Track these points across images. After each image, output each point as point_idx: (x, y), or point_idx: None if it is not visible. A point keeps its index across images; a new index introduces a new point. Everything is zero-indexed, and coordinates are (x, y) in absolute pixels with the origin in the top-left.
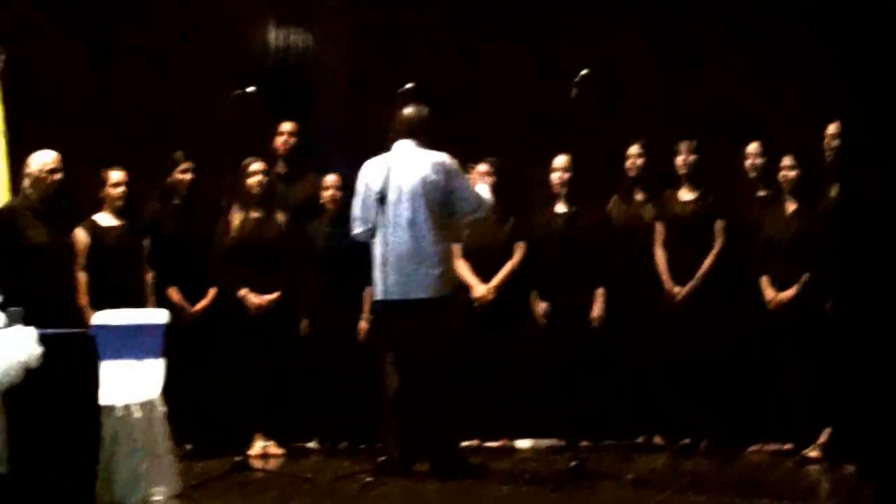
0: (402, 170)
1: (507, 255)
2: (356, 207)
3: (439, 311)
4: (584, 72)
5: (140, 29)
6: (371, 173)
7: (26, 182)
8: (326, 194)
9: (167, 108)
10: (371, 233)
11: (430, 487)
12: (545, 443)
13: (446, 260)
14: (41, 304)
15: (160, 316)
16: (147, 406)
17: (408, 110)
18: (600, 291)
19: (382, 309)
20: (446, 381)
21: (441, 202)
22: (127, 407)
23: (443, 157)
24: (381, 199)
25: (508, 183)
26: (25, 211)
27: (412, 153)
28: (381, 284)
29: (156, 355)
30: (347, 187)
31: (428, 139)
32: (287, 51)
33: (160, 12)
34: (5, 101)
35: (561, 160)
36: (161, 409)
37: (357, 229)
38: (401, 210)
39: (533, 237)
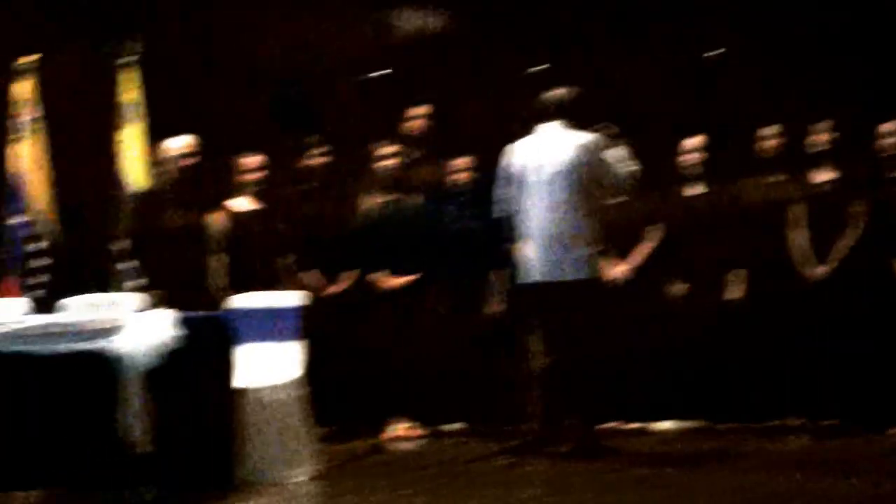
0: (548, 151)
1: (642, 237)
2: (500, 189)
3: (588, 293)
4: (718, 51)
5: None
6: (517, 155)
7: (163, 167)
8: (457, 176)
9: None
10: (515, 215)
11: (571, 468)
12: (685, 424)
13: (594, 241)
14: (179, 288)
15: (297, 298)
16: (287, 388)
17: (554, 91)
18: (737, 273)
19: (529, 290)
20: (591, 363)
21: (589, 183)
22: (266, 388)
23: (590, 138)
24: (527, 181)
25: (642, 164)
26: (163, 195)
27: (558, 134)
28: (528, 266)
29: (294, 337)
30: (478, 169)
31: (574, 120)
32: (416, 34)
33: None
34: (144, 86)
35: (694, 141)
36: (300, 390)
37: (501, 211)
38: (548, 192)
39: (667, 219)
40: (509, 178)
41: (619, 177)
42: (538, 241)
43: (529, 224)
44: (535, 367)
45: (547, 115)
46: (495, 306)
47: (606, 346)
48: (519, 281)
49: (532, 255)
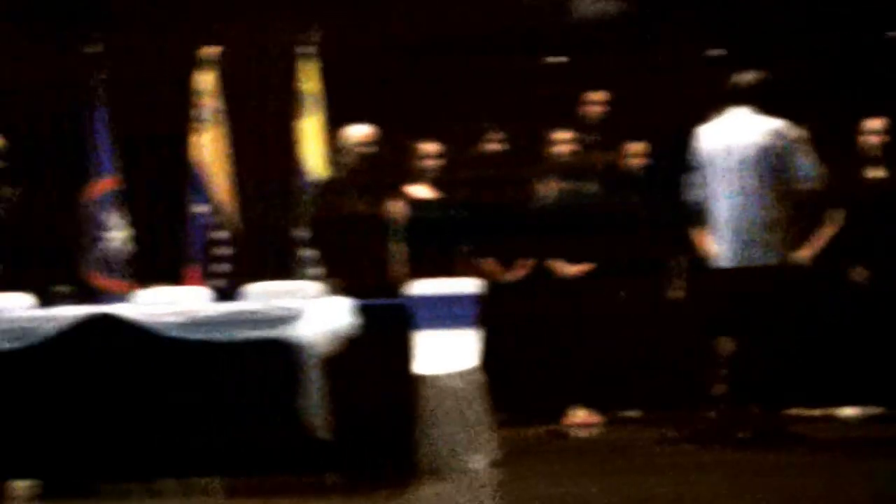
0: (738, 136)
1: (823, 222)
2: (694, 174)
3: (778, 278)
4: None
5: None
6: (706, 140)
7: (343, 156)
8: (633, 162)
9: (478, 79)
10: (703, 199)
11: (751, 455)
12: (869, 411)
13: (786, 226)
14: (360, 275)
15: (474, 286)
16: (464, 375)
17: (745, 76)
18: None
19: (717, 276)
20: (777, 348)
21: (779, 169)
22: (444, 376)
23: (780, 124)
24: (716, 165)
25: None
26: (343, 184)
27: (749, 120)
28: (723, 252)
29: (471, 325)
30: (652, 154)
31: (764, 106)
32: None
33: None
34: (322, 76)
35: (875, 123)
36: (478, 377)
37: (692, 195)
38: (738, 177)
39: (848, 202)
40: (701, 162)
41: (807, 167)
42: (727, 227)
43: (718, 209)
44: (721, 351)
45: (736, 98)
46: (676, 292)
47: (792, 331)
48: (707, 266)
49: (721, 241)
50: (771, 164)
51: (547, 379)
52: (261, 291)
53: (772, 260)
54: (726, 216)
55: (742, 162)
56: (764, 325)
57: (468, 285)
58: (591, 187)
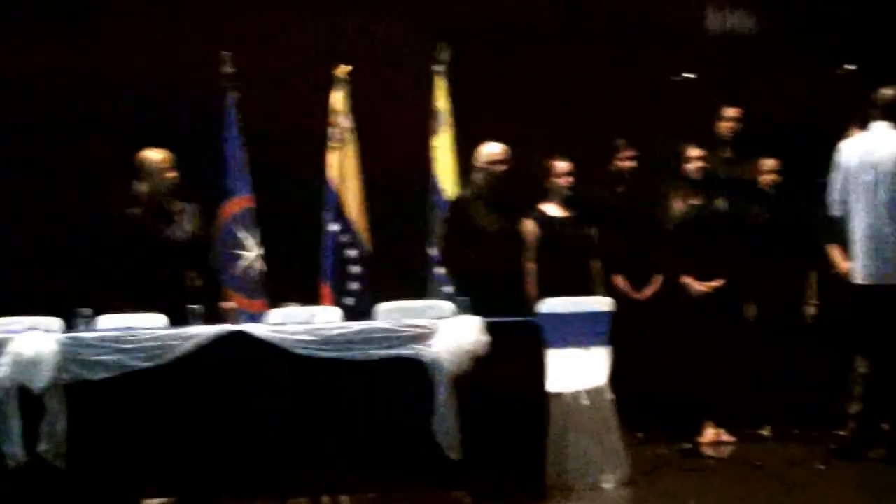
0: (878, 151)
1: None
2: (834, 189)
3: None
4: None
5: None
6: (848, 154)
7: (476, 174)
8: (766, 178)
9: (609, 95)
10: (844, 215)
11: (883, 474)
12: None
13: None
14: (493, 292)
15: (606, 304)
16: (595, 393)
17: (883, 90)
18: None
19: (861, 293)
20: None
21: None
22: (575, 394)
23: None
24: (856, 180)
25: None
26: (477, 201)
27: (887, 135)
28: (861, 268)
29: (602, 343)
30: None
31: None
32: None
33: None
34: (452, 95)
35: None
36: (608, 396)
37: (835, 211)
38: (879, 192)
39: None
40: (843, 177)
41: None
42: (865, 243)
43: (857, 225)
44: (857, 369)
45: (877, 114)
46: (811, 308)
47: None
48: (846, 282)
49: (859, 257)
50: None
51: (679, 397)
52: (393, 310)
53: None
54: (865, 232)
55: (882, 177)
56: None
57: (599, 303)
58: (724, 203)
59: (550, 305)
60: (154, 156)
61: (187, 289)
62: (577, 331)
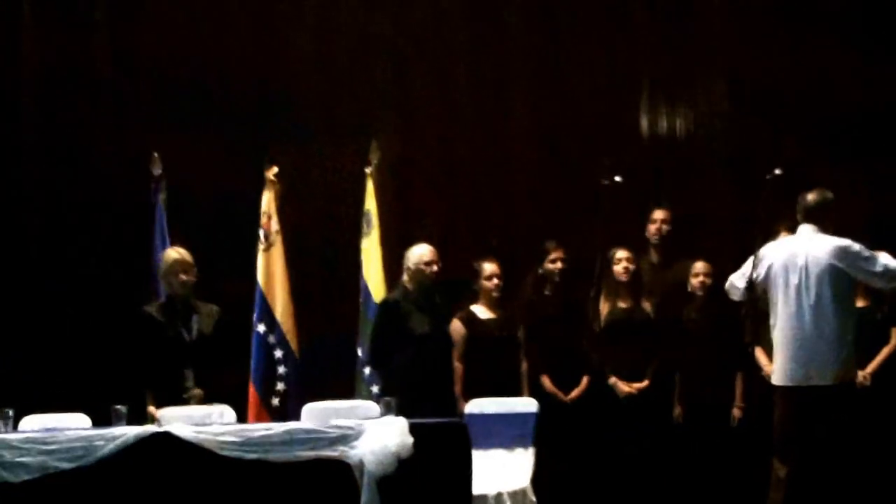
0: (801, 254)
1: (884, 340)
2: (739, 278)
3: (840, 398)
4: None
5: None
6: (773, 256)
7: (405, 276)
8: (696, 281)
9: (538, 196)
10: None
11: None
12: None
13: (849, 346)
14: (421, 393)
15: (531, 405)
16: (518, 495)
17: (808, 195)
18: None
19: (783, 393)
20: (841, 470)
21: (846, 288)
22: (498, 496)
23: (846, 243)
24: (778, 282)
25: None
26: (406, 303)
27: (811, 238)
28: (784, 368)
29: (527, 444)
30: (716, 275)
31: (829, 224)
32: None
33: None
34: (377, 196)
35: None
36: (532, 497)
37: (737, 293)
38: (804, 295)
39: None
40: (763, 277)
41: (881, 274)
42: (789, 345)
43: (781, 326)
44: (776, 473)
45: (802, 217)
46: (737, 410)
47: (855, 454)
48: (770, 383)
49: (782, 358)
50: (838, 283)
51: (605, 497)
52: (320, 410)
53: (834, 379)
54: (787, 333)
55: (809, 280)
56: (822, 448)
57: (525, 404)
58: (651, 305)
59: (477, 406)
60: (171, 255)
61: (183, 389)
62: (503, 431)
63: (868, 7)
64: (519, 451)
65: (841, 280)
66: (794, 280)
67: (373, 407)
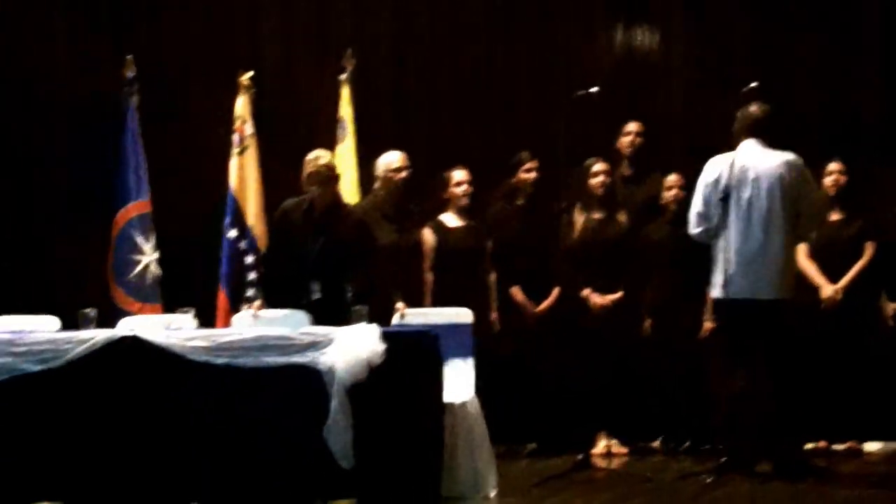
0: (752, 168)
1: (856, 256)
2: (697, 205)
3: (785, 312)
4: None
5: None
6: (716, 172)
7: (375, 183)
8: (669, 194)
9: (510, 106)
10: (711, 232)
11: (772, 489)
12: (894, 446)
13: (793, 260)
14: (387, 303)
15: (466, 316)
16: (466, 406)
17: (751, 108)
18: None
19: (728, 308)
20: (789, 382)
21: (792, 201)
22: (463, 404)
23: (793, 157)
24: (726, 197)
25: (857, 182)
26: (374, 211)
27: (760, 152)
28: (729, 283)
29: (467, 355)
30: (689, 187)
31: (774, 137)
32: (629, 49)
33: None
34: (354, 103)
35: None
36: (478, 408)
37: (696, 228)
38: (753, 208)
39: (882, 237)
40: (709, 194)
41: (814, 202)
42: (738, 258)
43: (730, 240)
44: (732, 386)
45: (745, 131)
46: (707, 323)
47: (812, 364)
48: (716, 297)
49: (730, 272)
50: (786, 196)
51: (573, 409)
52: (247, 319)
53: (780, 293)
54: (735, 248)
55: (758, 192)
56: (778, 360)
57: (460, 315)
58: (626, 218)
59: (420, 315)
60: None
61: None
62: (446, 343)
63: None
64: (460, 362)
65: (790, 193)
66: (745, 194)
67: (303, 318)
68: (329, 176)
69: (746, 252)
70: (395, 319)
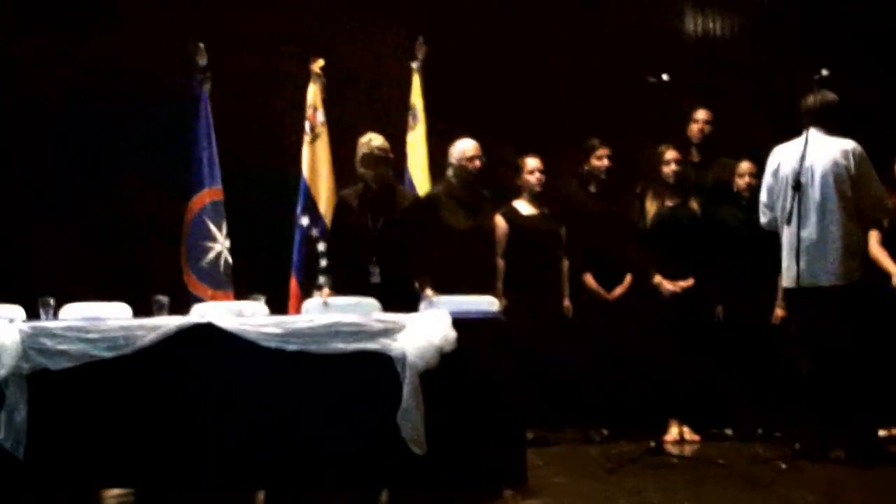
0: (812, 156)
1: None
2: (764, 195)
3: (848, 298)
4: None
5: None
6: (780, 160)
7: (449, 171)
8: (742, 181)
9: (584, 95)
10: (778, 221)
11: (845, 475)
12: None
13: (856, 246)
14: (461, 289)
15: (493, 304)
16: None
17: (815, 97)
18: None
19: (793, 296)
20: (860, 369)
21: (847, 188)
22: None
23: (852, 144)
24: (796, 185)
25: None
26: (447, 198)
27: (821, 139)
28: (791, 271)
29: None
30: (760, 174)
31: (836, 126)
32: (702, 37)
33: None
34: (426, 91)
35: None
36: None
37: (763, 218)
38: (812, 196)
39: None
40: (775, 183)
41: (874, 191)
42: (801, 246)
43: (794, 228)
44: (802, 372)
45: (810, 119)
46: (778, 310)
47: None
48: (784, 286)
49: (794, 260)
50: (843, 183)
51: (645, 395)
52: (318, 306)
53: (840, 280)
54: (798, 235)
55: (816, 180)
56: (844, 346)
57: (488, 302)
58: (697, 205)
59: (448, 302)
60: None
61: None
62: None
63: None
64: None
65: (848, 181)
66: (804, 182)
67: (374, 304)
68: (382, 157)
69: (806, 239)
70: (423, 306)
